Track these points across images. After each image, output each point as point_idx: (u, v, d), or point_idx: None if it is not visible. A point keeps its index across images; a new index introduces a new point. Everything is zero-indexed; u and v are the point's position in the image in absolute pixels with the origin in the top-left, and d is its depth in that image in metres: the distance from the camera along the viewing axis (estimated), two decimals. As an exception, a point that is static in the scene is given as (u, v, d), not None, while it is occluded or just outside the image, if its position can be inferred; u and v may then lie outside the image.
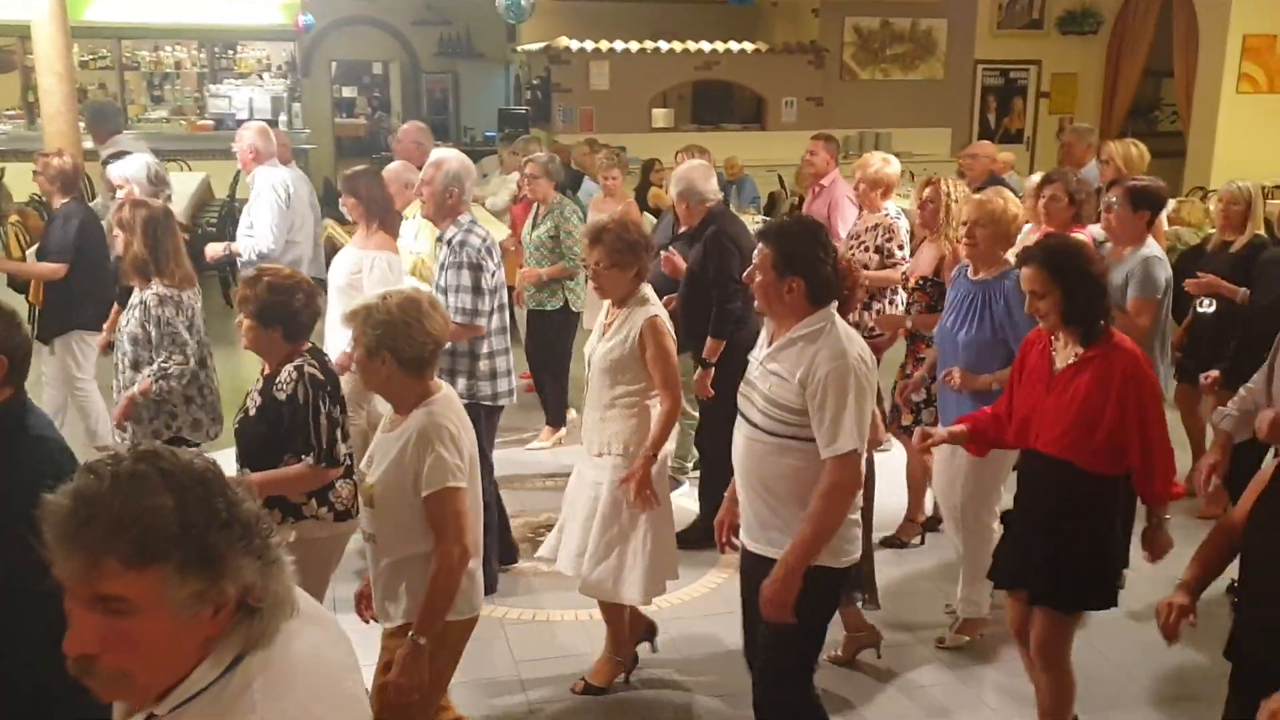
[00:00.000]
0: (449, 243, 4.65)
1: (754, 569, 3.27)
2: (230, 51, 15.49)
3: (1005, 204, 4.48)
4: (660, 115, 14.07)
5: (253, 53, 15.58)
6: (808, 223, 3.39)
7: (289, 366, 3.49)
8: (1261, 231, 5.62)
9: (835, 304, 3.21)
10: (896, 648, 4.54)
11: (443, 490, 2.99)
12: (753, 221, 8.44)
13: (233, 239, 6.65)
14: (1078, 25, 15.03)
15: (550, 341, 6.89)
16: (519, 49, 16.00)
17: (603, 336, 4.06)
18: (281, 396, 3.46)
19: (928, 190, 5.33)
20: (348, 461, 3.58)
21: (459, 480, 3.02)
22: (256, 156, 6.45)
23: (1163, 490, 3.43)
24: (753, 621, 3.34)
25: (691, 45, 13.96)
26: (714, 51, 14.02)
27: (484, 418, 4.79)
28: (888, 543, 5.40)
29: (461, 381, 4.66)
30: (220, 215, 10.40)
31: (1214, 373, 4.84)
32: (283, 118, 13.95)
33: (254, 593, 1.41)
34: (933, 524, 5.56)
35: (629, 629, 4.28)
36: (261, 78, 15.48)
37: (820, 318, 3.14)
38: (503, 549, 5.11)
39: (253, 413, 3.55)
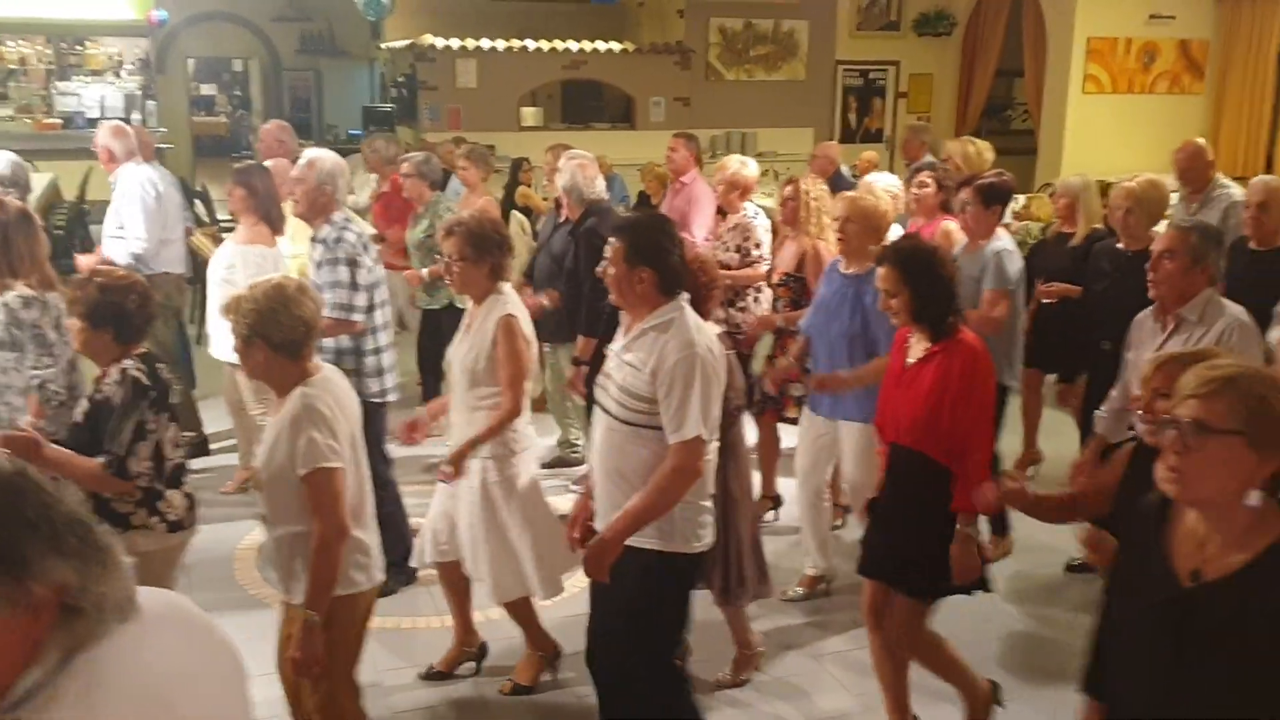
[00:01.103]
0: (323, 241, 4.62)
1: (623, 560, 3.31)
2: (79, 47, 14.92)
3: (875, 201, 4.61)
4: (529, 114, 14.03)
5: (104, 49, 15.03)
6: (655, 216, 3.50)
7: (114, 368, 3.42)
8: (1099, 224, 5.88)
9: (686, 296, 3.28)
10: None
11: (316, 471, 3.04)
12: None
13: (85, 241, 6.43)
14: (932, 27, 15.49)
15: (439, 341, 6.83)
16: (383, 46, 15.77)
17: (463, 337, 4.03)
18: (99, 398, 3.40)
19: (788, 189, 5.48)
20: (149, 476, 3.44)
21: (333, 460, 3.06)
22: (111, 156, 6.26)
23: (961, 499, 3.46)
24: (601, 613, 3.43)
25: (559, 44, 13.95)
26: (581, 51, 14.04)
27: (373, 415, 4.72)
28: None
29: (349, 380, 4.59)
30: (69, 217, 9.99)
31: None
32: (136, 116, 13.49)
33: (70, 593, 1.38)
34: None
35: (458, 645, 4.32)
36: (118, 74, 14.95)
37: (671, 309, 3.22)
38: (401, 561, 4.99)
39: (79, 418, 3.47)
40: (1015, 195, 6.85)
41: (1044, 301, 5.77)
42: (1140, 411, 2.72)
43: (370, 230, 7.80)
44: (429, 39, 13.53)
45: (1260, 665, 1.93)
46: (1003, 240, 4.99)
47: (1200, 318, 3.88)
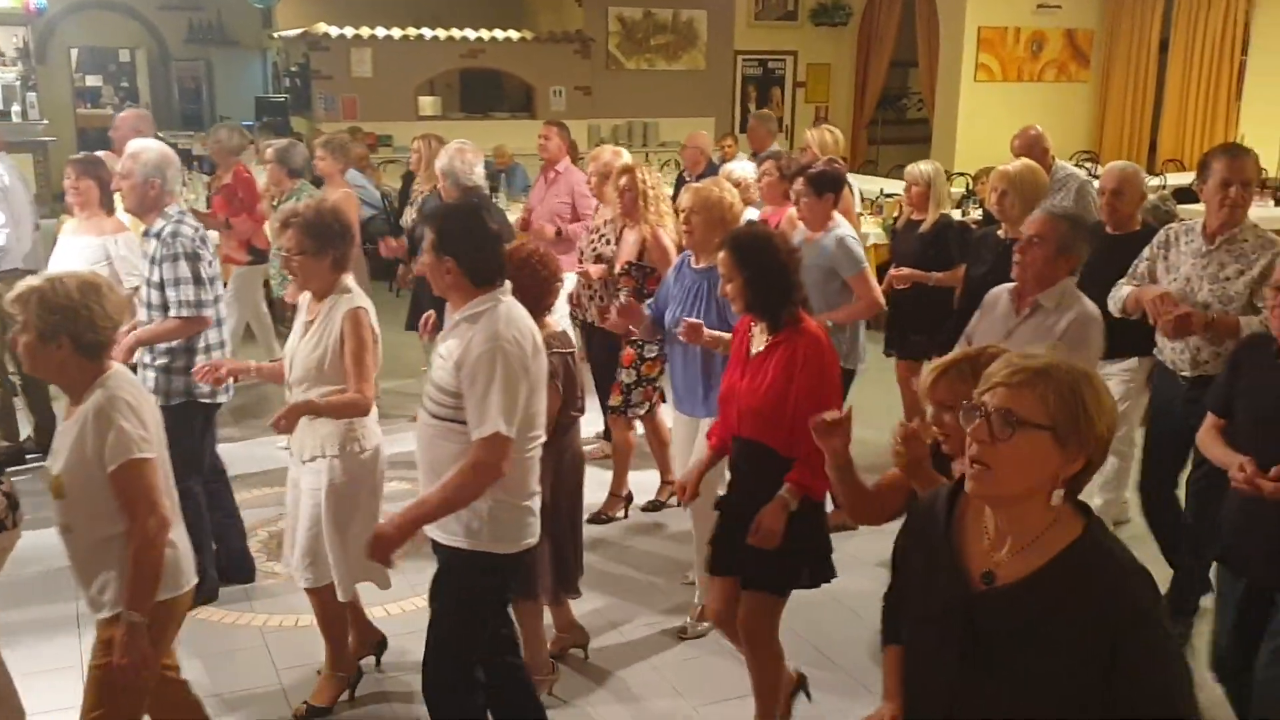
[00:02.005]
0: (158, 236, 4.39)
1: (438, 557, 3.30)
2: (-48, 35, 14.32)
3: (720, 192, 4.52)
4: (428, 103, 13.85)
5: (-22, 37, 14.45)
6: (469, 204, 3.40)
7: None
8: (946, 210, 5.95)
9: (507, 287, 3.19)
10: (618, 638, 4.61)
11: (128, 463, 2.89)
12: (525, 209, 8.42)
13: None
14: (829, 17, 15.67)
15: None
16: (276, 35, 15.43)
17: (304, 335, 3.79)
18: None
19: (624, 179, 5.36)
20: None
21: (145, 451, 2.92)
22: None
23: (802, 476, 3.40)
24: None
25: (456, 33, 13.80)
26: (479, 39, 13.90)
27: (204, 415, 4.62)
28: (594, 519, 5.51)
29: (180, 380, 4.45)
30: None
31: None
32: (16, 108, 12.99)
33: None
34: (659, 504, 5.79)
35: (357, 642, 4.18)
36: (-4, 64, 14.38)
37: (485, 300, 3.12)
38: (233, 563, 4.89)
39: None
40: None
41: (896, 288, 5.79)
42: (932, 426, 2.59)
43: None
44: (322, 27, 13.28)
45: (1048, 677, 1.83)
46: (843, 226, 5.03)
47: (1055, 305, 3.87)
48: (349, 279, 3.84)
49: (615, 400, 5.39)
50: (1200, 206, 11.12)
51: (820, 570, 3.61)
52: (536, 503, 3.30)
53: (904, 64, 15.85)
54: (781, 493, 3.43)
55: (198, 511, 4.58)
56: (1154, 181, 11.46)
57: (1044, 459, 1.85)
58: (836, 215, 5.08)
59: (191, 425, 4.53)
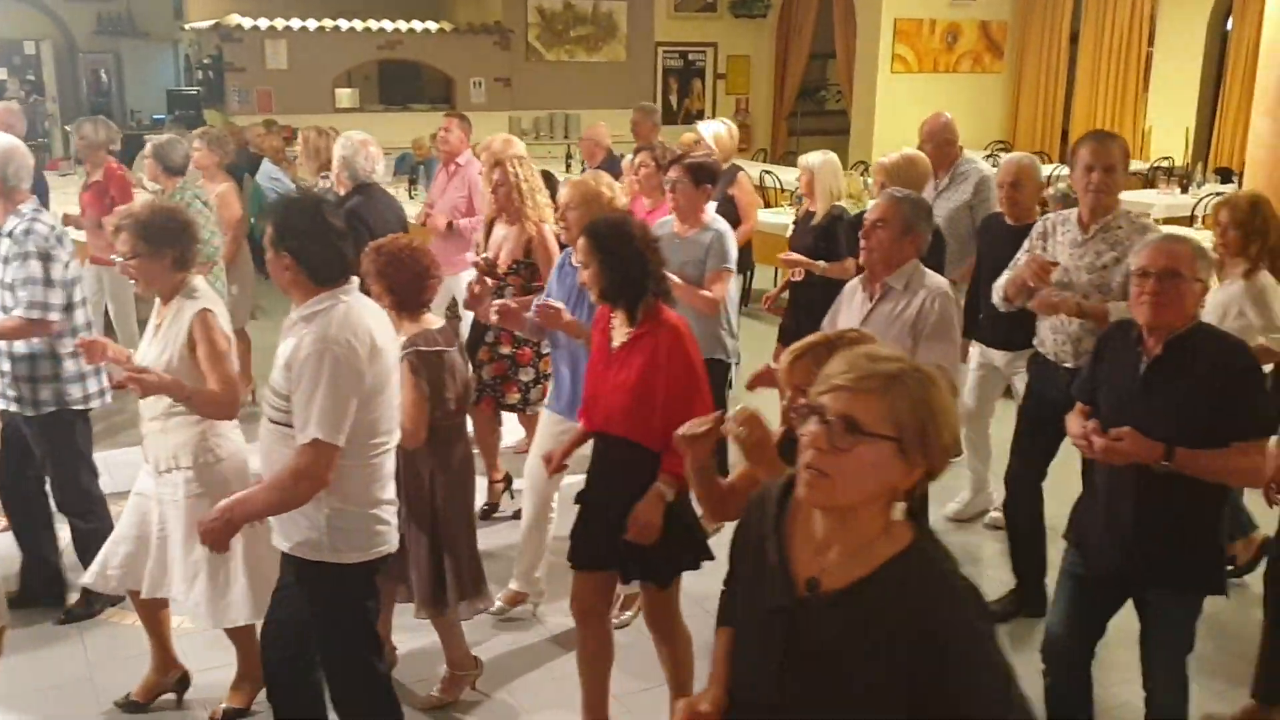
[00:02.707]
0: (9, 234, 4.17)
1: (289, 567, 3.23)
2: None
3: (597, 185, 4.43)
4: (345, 95, 13.66)
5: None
6: (310, 198, 3.24)
7: None
8: (840, 202, 5.92)
9: (351, 285, 3.08)
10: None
11: None
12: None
13: None
14: (748, 9, 15.75)
15: None
16: (187, 27, 15.11)
17: (152, 338, 3.64)
18: None
19: (496, 174, 5.20)
20: None
21: None
22: None
23: (676, 466, 3.26)
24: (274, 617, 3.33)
25: (374, 24, 13.62)
26: (397, 31, 13.74)
27: (76, 424, 4.42)
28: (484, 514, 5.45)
29: (47, 389, 4.26)
30: None
31: None
32: (-86, 101, 12.54)
33: None
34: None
35: (156, 672, 4.03)
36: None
37: (324, 299, 3.01)
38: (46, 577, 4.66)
39: None
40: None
41: (792, 280, 5.79)
42: (789, 409, 2.47)
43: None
44: (235, 19, 13.02)
45: (867, 686, 1.76)
46: (721, 223, 4.94)
47: (905, 286, 3.90)
48: (197, 280, 3.67)
49: (513, 398, 5.30)
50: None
51: (701, 551, 3.54)
52: (388, 510, 3.17)
53: (823, 56, 15.99)
54: (658, 485, 3.38)
55: (103, 516, 4.50)
56: (1065, 170, 11.71)
57: (885, 469, 1.75)
58: (711, 211, 4.99)
59: (69, 434, 4.39)
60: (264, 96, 13.08)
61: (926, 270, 3.97)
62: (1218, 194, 9.91)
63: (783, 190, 11.13)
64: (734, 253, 4.87)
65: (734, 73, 16.19)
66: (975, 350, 5.36)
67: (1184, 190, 10.58)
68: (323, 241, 3.01)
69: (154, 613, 3.94)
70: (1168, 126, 13.25)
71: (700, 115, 16.02)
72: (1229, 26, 12.85)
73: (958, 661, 1.73)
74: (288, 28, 13.15)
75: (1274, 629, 3.85)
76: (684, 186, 4.81)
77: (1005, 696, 1.79)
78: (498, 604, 4.51)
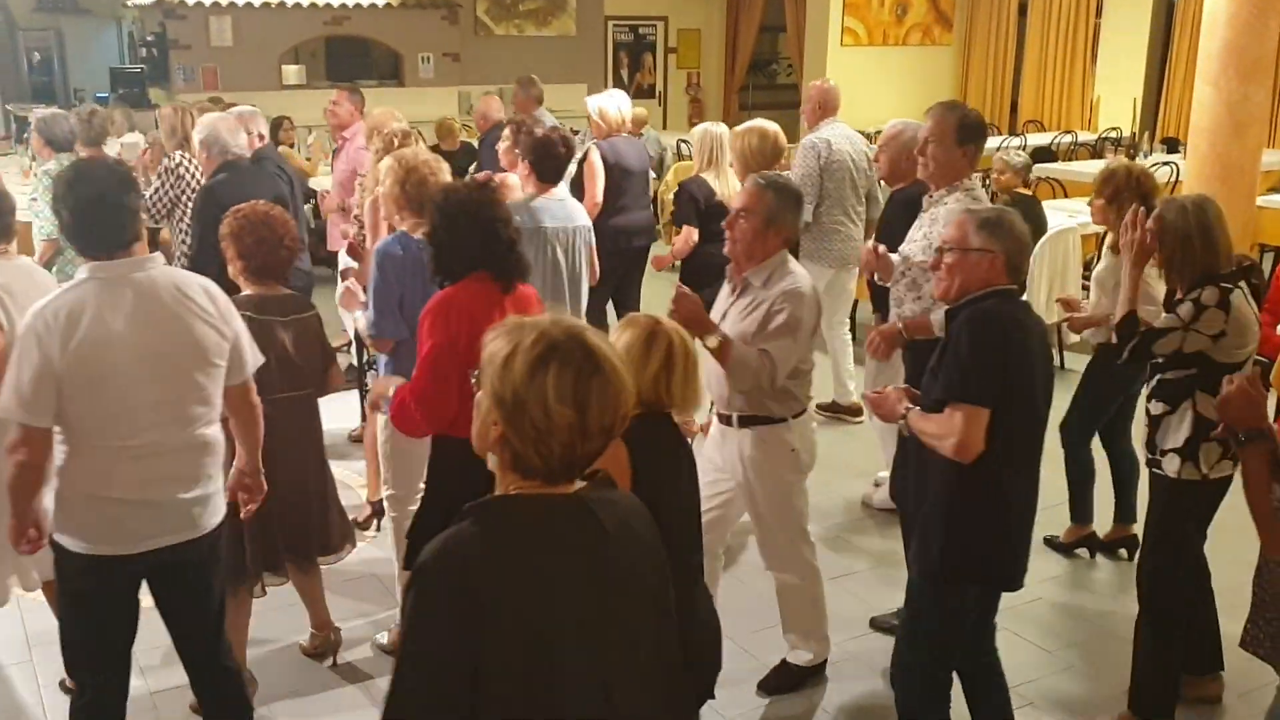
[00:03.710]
0: None
1: None
2: None
3: (426, 159, 4.19)
4: (292, 72, 13.46)
5: None
6: (87, 165, 3.05)
7: None
8: (706, 174, 5.75)
9: (125, 262, 2.83)
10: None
11: None
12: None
13: None
14: (699, -18, 15.70)
15: None
16: (130, 3, 14.80)
17: None
18: None
19: (377, 141, 5.11)
20: None
21: None
22: None
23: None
24: None
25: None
26: (344, 6, 13.54)
27: None
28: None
29: None
30: None
31: None
32: None
33: None
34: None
35: None
36: None
37: (80, 273, 2.83)
38: None
39: None
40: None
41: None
42: None
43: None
44: (178, -6, 12.79)
45: None
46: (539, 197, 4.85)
47: (764, 282, 3.56)
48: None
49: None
50: (1056, 165, 11.52)
51: None
52: (129, 509, 2.86)
53: (773, 29, 15.97)
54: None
55: None
56: (1015, 142, 11.79)
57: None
58: (561, 187, 4.94)
59: None
60: (209, 74, 12.87)
61: (793, 266, 3.63)
62: (1164, 163, 10.04)
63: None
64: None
65: (685, 46, 16.13)
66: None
67: (1131, 160, 10.67)
68: (86, 211, 2.81)
69: None
70: (1116, 97, 13.36)
71: (652, 90, 15.98)
72: (1174, -3, 12.98)
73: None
74: (232, 3, 12.92)
75: (1147, 631, 3.65)
76: (511, 159, 4.98)
77: (410, 687, 1.70)
78: None
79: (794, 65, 15.30)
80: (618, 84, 15.52)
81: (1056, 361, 7.41)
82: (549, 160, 4.77)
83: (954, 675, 3.24)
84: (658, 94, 15.98)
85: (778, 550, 3.80)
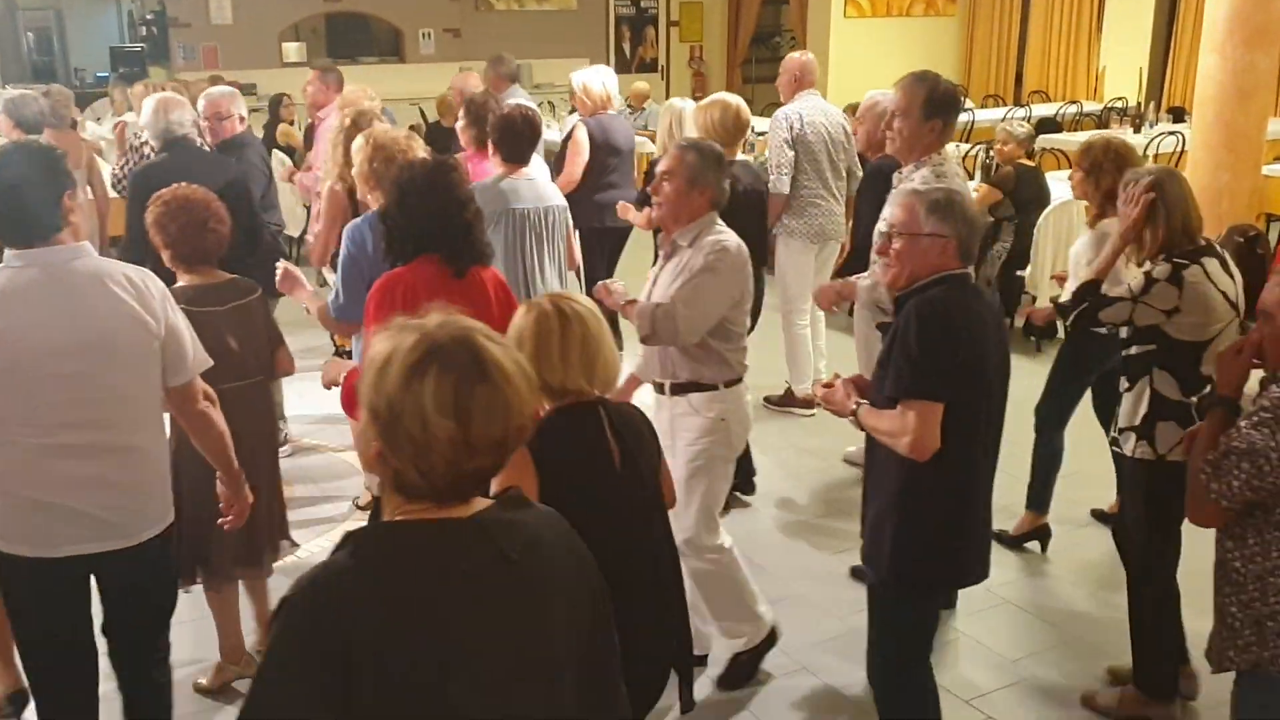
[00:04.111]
0: None
1: None
2: None
3: (395, 137, 4.06)
4: (292, 49, 13.43)
5: None
6: (16, 152, 2.86)
7: None
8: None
9: (44, 250, 2.67)
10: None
11: None
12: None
13: None
14: (701, -45, 15.58)
15: None
16: (128, -19, 14.78)
17: None
18: None
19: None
20: None
21: None
22: None
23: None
24: None
25: (319, -24, 13.38)
26: (344, -18, 13.51)
27: None
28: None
29: None
30: None
31: None
32: None
33: None
34: None
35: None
36: None
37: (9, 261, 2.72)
38: None
39: None
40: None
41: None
42: None
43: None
44: (177, -28, 12.75)
45: None
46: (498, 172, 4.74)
47: (691, 243, 3.55)
48: None
49: None
50: (1061, 136, 11.41)
51: None
52: (55, 504, 2.72)
53: (776, 1, 15.85)
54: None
55: None
56: (1019, 113, 11.71)
57: None
58: (536, 163, 4.83)
59: None
60: (209, 52, 12.84)
61: (721, 227, 3.59)
62: (1170, 133, 9.97)
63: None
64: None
65: (687, 20, 16.03)
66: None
67: (1136, 130, 10.60)
68: (14, 199, 2.67)
69: None
70: (1121, 67, 13.25)
71: (654, 64, 15.90)
72: (1180, -35, 12.85)
73: None
74: (231, -20, 12.89)
75: (1136, 604, 3.60)
76: (467, 139, 5.05)
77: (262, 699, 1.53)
78: None
79: (797, 38, 15.19)
80: (619, 58, 15.45)
81: (1060, 335, 7.45)
82: (510, 139, 4.59)
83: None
84: (660, 68, 15.89)
85: (687, 530, 3.59)
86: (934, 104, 3.94)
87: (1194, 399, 3.38)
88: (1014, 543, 4.71)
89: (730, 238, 3.55)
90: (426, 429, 1.49)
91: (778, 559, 4.63)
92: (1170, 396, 3.40)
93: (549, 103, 12.90)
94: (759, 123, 10.31)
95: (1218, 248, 3.56)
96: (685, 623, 2.85)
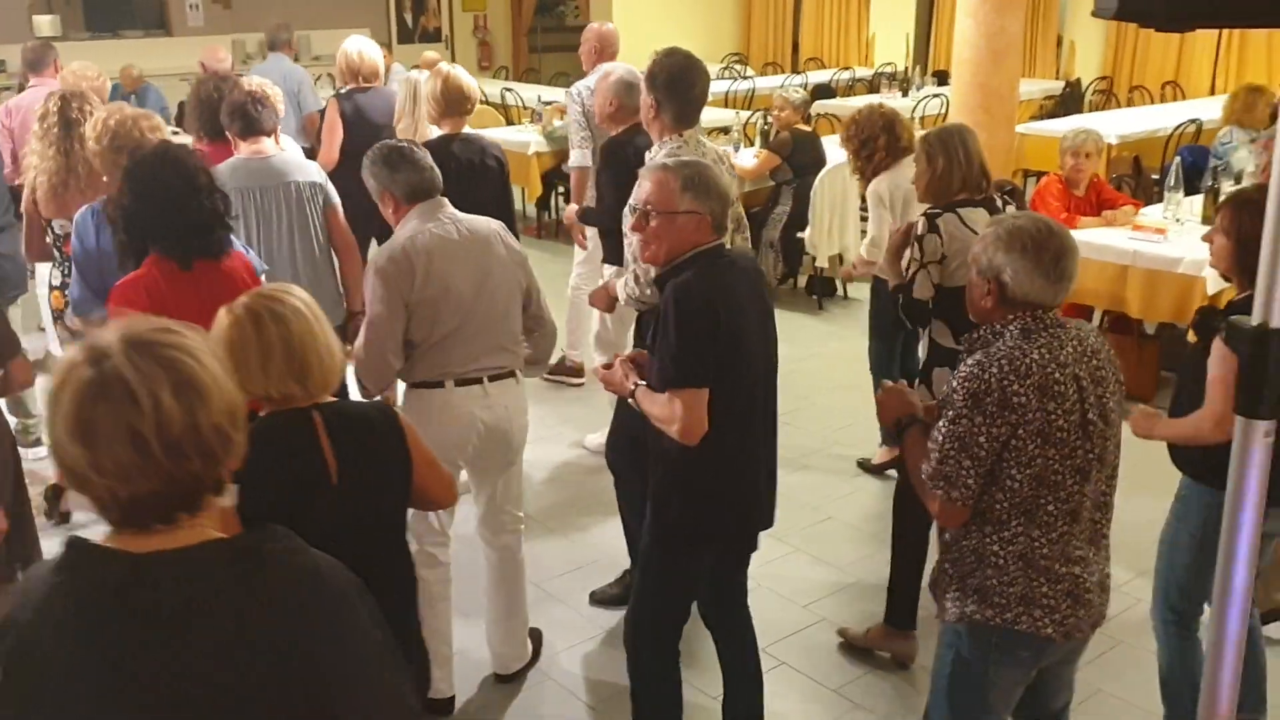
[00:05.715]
0: None
1: None
2: None
3: (130, 115, 3.92)
4: (44, 23, 12.54)
5: None
6: None
7: None
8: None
9: None
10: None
11: None
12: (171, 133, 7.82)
13: None
14: (480, -77, 15.37)
15: None
16: None
17: None
18: None
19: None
20: None
21: None
22: None
23: None
24: None
25: (71, -57, 12.57)
26: (100, -50, 12.74)
27: None
28: None
29: None
30: None
31: None
32: None
33: None
34: None
35: None
36: None
37: None
38: None
39: None
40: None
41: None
42: None
43: None
44: (-93, -63, 11.74)
45: None
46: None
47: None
48: None
49: None
50: (835, 101, 11.78)
51: None
52: None
53: (559, -31, 15.83)
54: None
55: None
56: (797, 80, 12.07)
57: None
58: (284, 139, 4.67)
59: None
60: (-51, 25, 11.91)
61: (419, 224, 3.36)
62: (935, 95, 10.46)
63: (524, 108, 11.02)
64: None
65: (470, -12, 15.82)
66: None
67: (904, 94, 11.09)
68: None
69: None
70: (889, 34, 13.83)
71: (437, 33, 15.63)
72: (940, -65, 13.47)
73: None
74: (-29, -53, 11.97)
75: (896, 546, 3.80)
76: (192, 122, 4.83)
77: None
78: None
79: (580, 6, 15.21)
80: (401, 28, 15.13)
81: (840, 293, 7.76)
82: (240, 116, 4.31)
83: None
84: (444, 38, 15.63)
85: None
86: (652, 79, 3.75)
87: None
88: (877, 471, 5.10)
89: (397, 240, 3.29)
90: (63, 456, 1.37)
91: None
92: (944, 345, 3.59)
93: (329, 75, 12.51)
94: (548, 93, 10.33)
95: (995, 199, 3.81)
96: (424, 660, 2.69)
